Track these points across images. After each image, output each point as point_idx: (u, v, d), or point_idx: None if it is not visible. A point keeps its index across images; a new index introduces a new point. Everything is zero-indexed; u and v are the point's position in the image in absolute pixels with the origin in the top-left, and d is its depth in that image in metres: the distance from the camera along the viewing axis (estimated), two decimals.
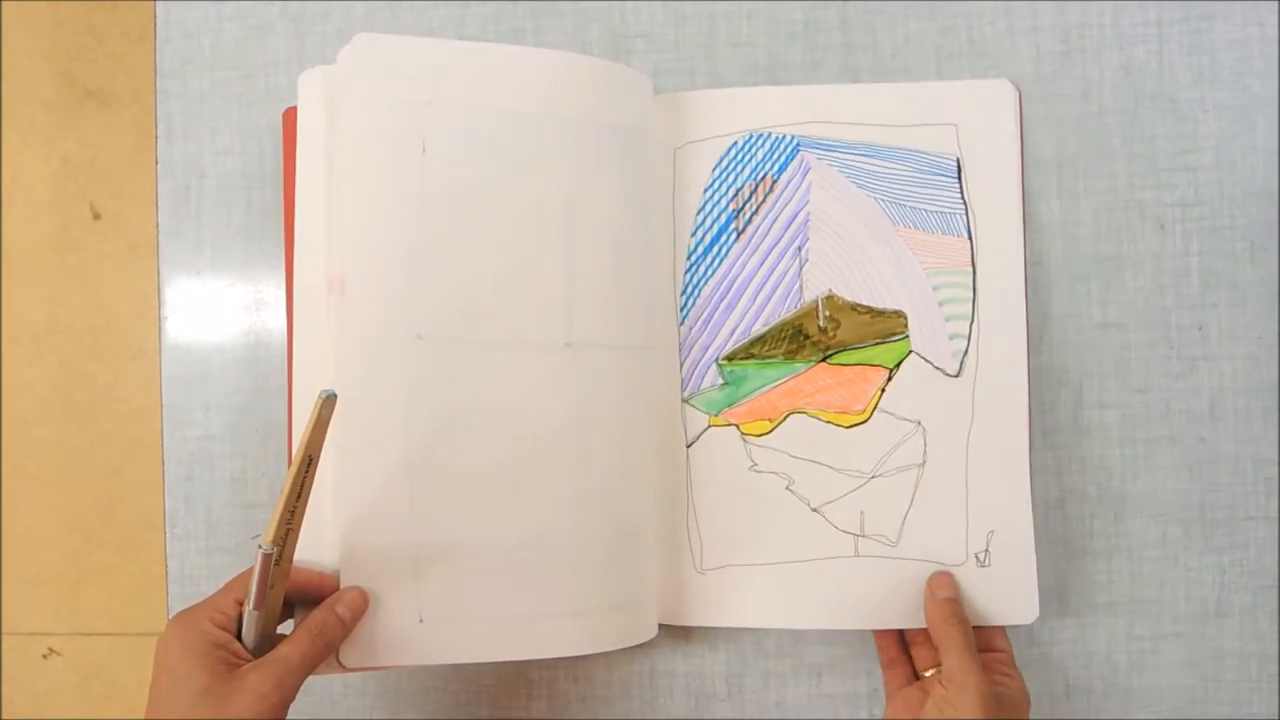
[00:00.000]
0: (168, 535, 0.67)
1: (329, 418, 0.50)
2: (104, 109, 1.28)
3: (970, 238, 0.63)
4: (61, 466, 1.30)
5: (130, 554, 1.28)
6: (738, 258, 0.64)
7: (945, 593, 0.60)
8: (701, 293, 0.64)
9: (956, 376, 0.62)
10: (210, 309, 0.67)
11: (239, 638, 0.51)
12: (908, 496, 0.62)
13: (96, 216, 1.25)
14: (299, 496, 0.50)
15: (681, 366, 0.64)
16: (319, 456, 0.51)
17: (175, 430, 0.67)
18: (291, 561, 0.52)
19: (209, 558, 0.66)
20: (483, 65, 0.59)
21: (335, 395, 0.50)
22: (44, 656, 1.30)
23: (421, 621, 0.57)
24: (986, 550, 0.62)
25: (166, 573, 0.67)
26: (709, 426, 0.63)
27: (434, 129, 0.58)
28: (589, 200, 0.60)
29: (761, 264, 0.63)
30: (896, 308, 0.63)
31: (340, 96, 0.59)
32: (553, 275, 0.59)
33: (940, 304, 0.63)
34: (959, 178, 0.63)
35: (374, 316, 0.57)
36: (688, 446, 0.63)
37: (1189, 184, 0.65)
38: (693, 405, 0.63)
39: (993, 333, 0.63)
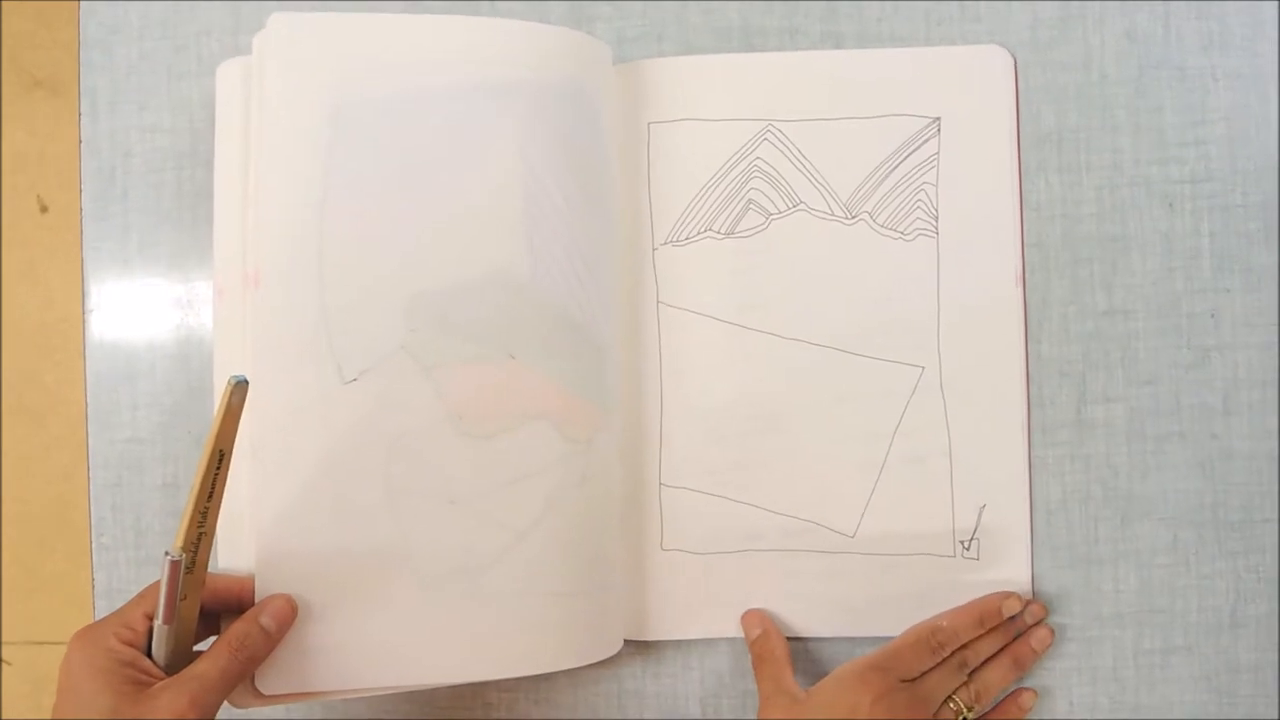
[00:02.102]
0: (94, 545, 0.62)
1: (240, 407, 0.46)
2: (53, 98, 1.24)
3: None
4: (13, 471, 1.26)
5: (83, 561, 1.23)
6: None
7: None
8: None
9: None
10: (138, 301, 0.62)
11: (149, 654, 0.47)
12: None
13: (44, 209, 1.20)
14: (210, 496, 0.46)
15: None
16: (231, 451, 0.46)
17: (101, 433, 0.62)
18: (206, 569, 0.48)
19: (139, 570, 0.61)
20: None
21: (246, 381, 0.45)
22: None
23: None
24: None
25: (93, 585, 0.62)
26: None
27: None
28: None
29: None
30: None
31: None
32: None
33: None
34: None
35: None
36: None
37: (1199, 158, 0.61)
38: None
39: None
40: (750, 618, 0.58)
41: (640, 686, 0.60)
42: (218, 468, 0.46)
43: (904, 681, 0.54)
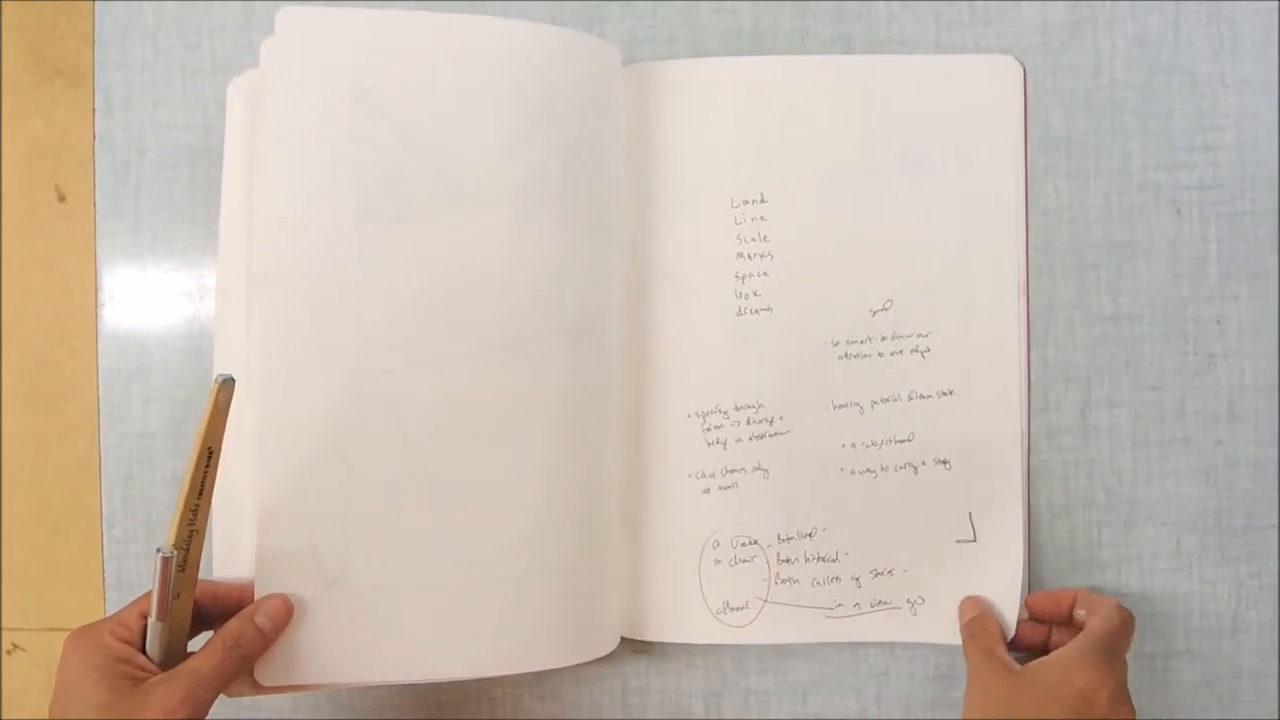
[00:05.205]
0: (105, 539, 0.63)
1: (227, 404, 0.47)
2: (71, 88, 1.24)
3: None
4: (29, 458, 1.26)
5: (96, 549, 1.24)
6: None
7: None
8: None
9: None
10: (151, 296, 0.62)
11: (144, 651, 0.48)
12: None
13: (62, 198, 1.21)
14: (200, 494, 0.47)
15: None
16: (220, 448, 0.47)
17: (113, 426, 0.62)
18: (198, 567, 0.49)
19: (149, 563, 0.60)
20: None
21: (233, 380, 0.46)
22: (8, 652, 1.27)
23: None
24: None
25: (103, 578, 0.63)
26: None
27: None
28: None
29: None
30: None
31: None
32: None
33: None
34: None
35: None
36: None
37: (1207, 165, 0.60)
38: None
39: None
40: (968, 602, 0.58)
41: (644, 684, 0.61)
42: (206, 465, 0.47)
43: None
